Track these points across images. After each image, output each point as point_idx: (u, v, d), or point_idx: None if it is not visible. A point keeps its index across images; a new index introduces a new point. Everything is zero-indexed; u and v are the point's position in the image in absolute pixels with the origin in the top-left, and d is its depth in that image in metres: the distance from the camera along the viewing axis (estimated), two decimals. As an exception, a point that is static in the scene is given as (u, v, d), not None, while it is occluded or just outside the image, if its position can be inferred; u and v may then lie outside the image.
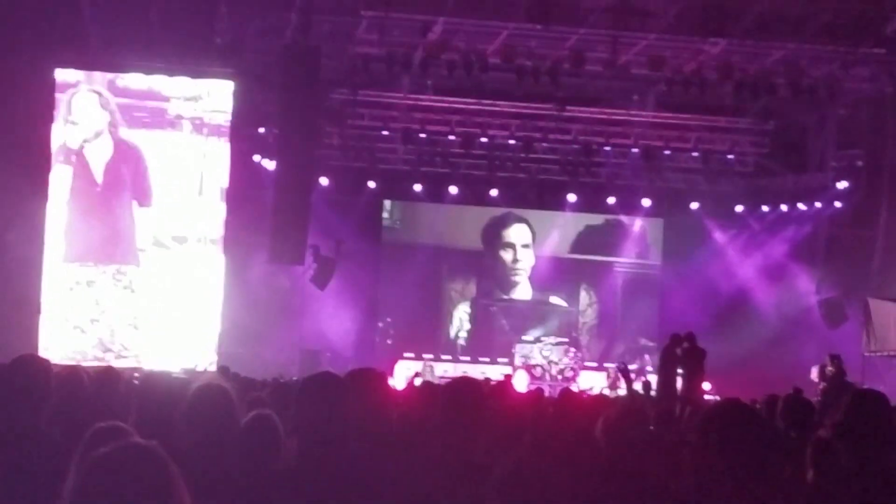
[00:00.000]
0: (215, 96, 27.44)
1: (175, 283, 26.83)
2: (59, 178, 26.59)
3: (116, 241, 26.79)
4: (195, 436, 5.77)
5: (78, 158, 26.76)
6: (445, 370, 30.78)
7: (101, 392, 8.92)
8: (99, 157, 26.86)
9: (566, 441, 6.78)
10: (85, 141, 26.75)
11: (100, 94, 26.85)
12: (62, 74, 26.78)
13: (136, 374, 15.33)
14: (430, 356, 32.22)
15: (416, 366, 30.53)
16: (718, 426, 5.11)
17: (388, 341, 32.96)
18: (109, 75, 26.92)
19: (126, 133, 26.96)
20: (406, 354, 32.09)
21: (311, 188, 27.05)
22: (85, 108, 26.79)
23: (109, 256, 26.65)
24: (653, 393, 21.08)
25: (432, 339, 33.46)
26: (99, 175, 26.81)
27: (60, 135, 26.63)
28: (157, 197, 26.97)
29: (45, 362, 6.46)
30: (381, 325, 33.26)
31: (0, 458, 5.72)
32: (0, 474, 5.68)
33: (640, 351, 32.91)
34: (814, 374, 24.41)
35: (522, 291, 34.68)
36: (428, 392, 9.31)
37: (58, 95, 26.61)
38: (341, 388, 5.67)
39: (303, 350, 29.30)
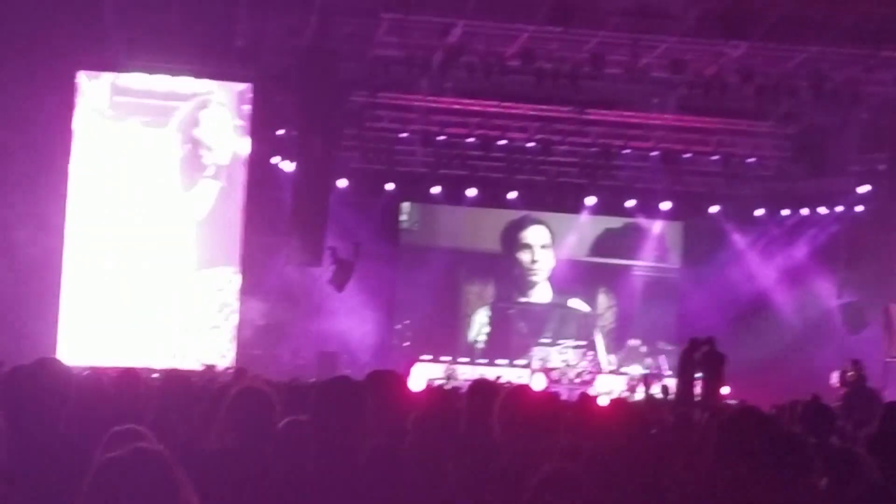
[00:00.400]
0: (234, 97, 27.53)
1: (193, 284, 26.93)
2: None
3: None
4: (235, 438, 5.81)
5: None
6: (463, 372, 30.78)
7: (121, 394, 8.96)
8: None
9: (592, 448, 6.80)
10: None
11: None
12: (85, 76, 26.92)
13: (155, 375, 15.40)
14: (448, 358, 32.22)
15: (434, 368, 30.56)
16: (735, 432, 5.13)
17: (406, 344, 32.97)
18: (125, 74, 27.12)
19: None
20: (423, 357, 32.10)
21: (329, 190, 27.13)
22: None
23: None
24: (671, 397, 21.06)
25: (450, 342, 33.47)
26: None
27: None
28: (178, 198, 27.12)
29: (65, 366, 6.50)
30: (398, 327, 33.28)
31: (20, 462, 5.75)
32: (20, 478, 5.71)
33: (658, 354, 32.84)
34: (834, 379, 24.37)
35: (541, 294, 34.66)
36: (452, 397, 9.32)
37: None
38: (358, 393, 5.70)
39: (320, 352, 29.34)
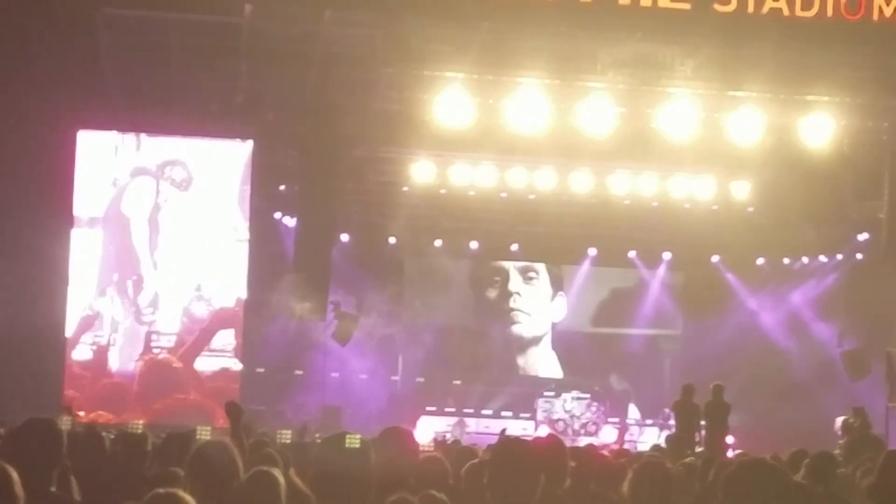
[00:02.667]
0: (235, 155, 27.59)
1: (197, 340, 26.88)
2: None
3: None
4: (198, 487, 5.81)
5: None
6: (467, 424, 30.68)
7: (124, 453, 8.91)
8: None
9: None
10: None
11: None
12: (86, 135, 26.98)
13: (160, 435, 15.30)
14: (453, 410, 32.10)
15: (439, 420, 30.46)
16: (743, 484, 5.07)
17: (411, 397, 32.84)
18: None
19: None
20: (429, 409, 31.99)
21: (331, 244, 27.09)
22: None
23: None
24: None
25: (455, 395, 33.32)
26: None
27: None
28: (182, 255, 27.11)
29: (56, 426, 6.51)
30: (402, 380, 33.16)
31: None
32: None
33: (659, 404, 32.61)
34: (838, 426, 24.25)
35: (546, 364, 34.55)
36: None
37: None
38: (363, 451, 5.64)
39: (324, 406, 29.24)
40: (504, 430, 26.50)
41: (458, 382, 33.86)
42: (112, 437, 11.03)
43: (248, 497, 5.94)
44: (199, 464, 6.04)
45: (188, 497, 5.21)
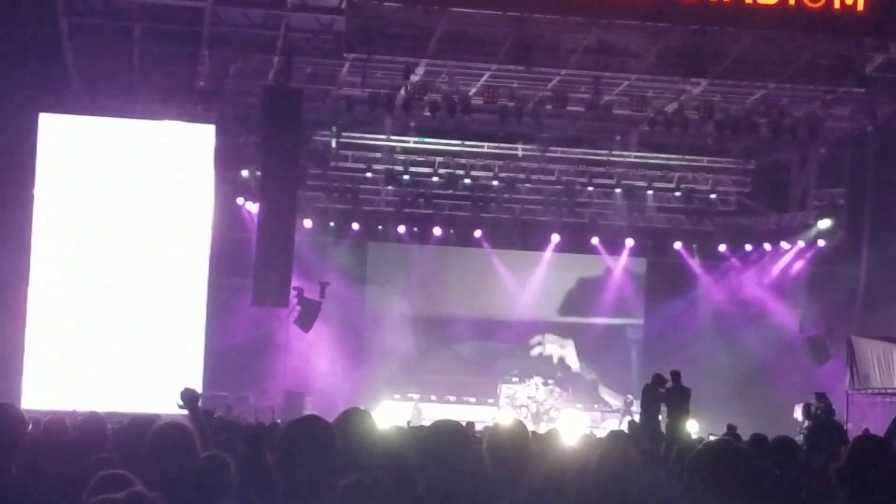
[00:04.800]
0: (198, 139, 27.41)
1: (158, 327, 26.71)
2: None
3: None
4: (157, 471, 5.79)
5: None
6: (430, 412, 30.62)
7: (86, 438, 8.84)
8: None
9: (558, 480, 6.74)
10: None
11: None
12: (46, 118, 26.77)
13: (119, 420, 15.20)
14: (417, 397, 32.08)
15: (402, 406, 30.43)
16: (708, 466, 5.06)
17: (374, 382, 32.77)
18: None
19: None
20: (392, 395, 31.99)
21: (294, 230, 27.00)
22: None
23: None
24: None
25: (418, 380, 33.28)
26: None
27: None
28: (142, 240, 26.92)
29: (18, 411, 6.45)
30: (365, 366, 33.08)
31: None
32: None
33: (625, 390, 32.75)
34: (797, 412, 24.37)
35: (512, 335, 34.50)
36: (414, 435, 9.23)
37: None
38: (327, 432, 5.62)
39: (287, 392, 29.16)
40: (472, 424, 26.44)
41: (421, 369, 33.82)
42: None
43: (201, 479, 5.92)
44: (157, 445, 6.04)
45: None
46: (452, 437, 5.95)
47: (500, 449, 6.14)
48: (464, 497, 5.72)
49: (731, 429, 16.24)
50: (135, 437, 7.33)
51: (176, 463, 5.92)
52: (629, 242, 33.91)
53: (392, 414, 27.81)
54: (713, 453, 5.19)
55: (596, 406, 32.73)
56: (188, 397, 8.28)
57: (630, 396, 30.44)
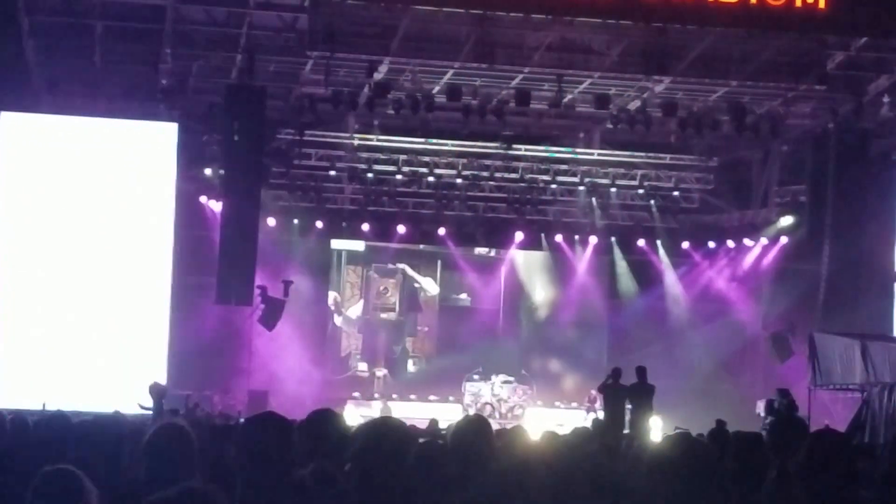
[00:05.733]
0: (161, 138, 27.34)
1: (121, 327, 26.62)
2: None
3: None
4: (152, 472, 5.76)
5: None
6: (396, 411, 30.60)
7: (48, 435, 8.82)
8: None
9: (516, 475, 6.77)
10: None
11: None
12: (7, 116, 26.66)
13: (85, 418, 15.14)
14: (378, 396, 32.08)
15: (366, 407, 30.44)
16: (667, 460, 5.11)
17: (337, 383, 32.77)
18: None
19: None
20: (354, 395, 31.97)
21: (257, 229, 26.94)
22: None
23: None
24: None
25: (381, 379, 33.31)
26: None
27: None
28: (105, 239, 26.84)
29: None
30: (329, 366, 33.08)
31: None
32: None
33: (589, 387, 32.82)
34: (760, 408, 24.50)
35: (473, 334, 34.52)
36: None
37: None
38: (286, 430, 5.65)
39: (251, 391, 29.13)
40: (435, 421, 26.44)
41: (384, 369, 33.87)
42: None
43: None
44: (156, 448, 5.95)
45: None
46: (390, 434, 5.98)
47: (462, 444, 6.19)
48: (423, 492, 5.77)
49: (721, 424, 16.23)
50: (98, 437, 7.32)
51: (175, 467, 5.80)
52: (593, 240, 34.00)
53: (358, 414, 27.81)
54: (672, 447, 5.24)
55: (558, 403, 32.74)
56: (156, 391, 8.27)
57: (594, 393, 30.52)
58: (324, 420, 6.39)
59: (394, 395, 32.43)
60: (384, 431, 5.95)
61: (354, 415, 27.70)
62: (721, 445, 9.78)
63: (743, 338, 32.27)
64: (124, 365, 26.13)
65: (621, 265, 34.41)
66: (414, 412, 30.22)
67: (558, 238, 33.96)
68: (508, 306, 35.11)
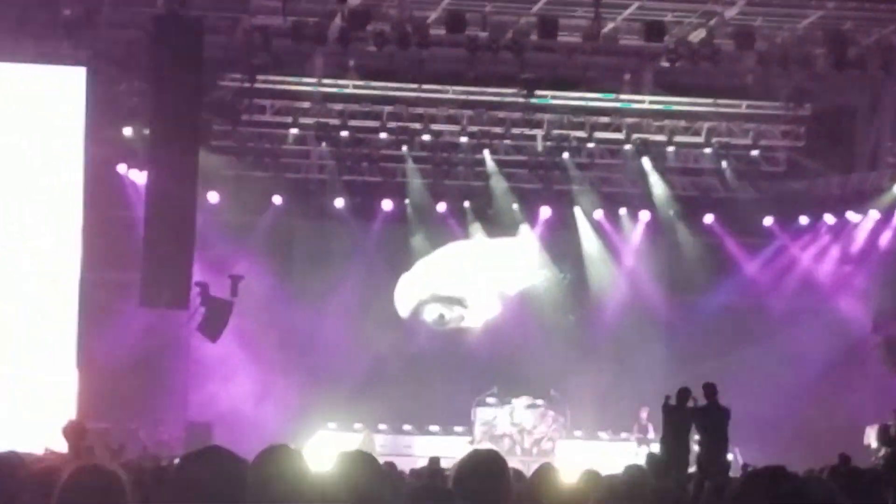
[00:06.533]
0: (64, 87, 27.35)
1: (15, 341, 26.68)
2: None
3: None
4: None
5: None
6: (383, 444, 30.65)
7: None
8: None
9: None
10: None
11: None
12: None
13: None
14: (360, 425, 32.04)
15: (343, 438, 30.43)
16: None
17: (305, 407, 32.74)
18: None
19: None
20: (329, 425, 31.97)
21: (195, 207, 26.96)
22: None
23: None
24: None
25: (364, 403, 33.23)
26: None
27: None
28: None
29: None
30: (292, 386, 33.03)
31: None
32: None
33: (640, 404, 32.74)
34: (870, 435, 24.50)
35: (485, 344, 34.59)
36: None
37: None
38: (233, 467, 5.58)
39: (189, 423, 29.21)
40: (437, 459, 26.39)
41: (367, 389, 33.80)
42: None
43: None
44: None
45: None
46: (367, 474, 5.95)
47: (468, 489, 6.14)
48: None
49: (845, 460, 16.09)
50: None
51: None
52: (644, 216, 34.00)
53: (336, 448, 27.80)
54: (761, 487, 5.14)
55: (602, 434, 32.74)
56: (73, 432, 8.19)
57: (644, 417, 30.56)
58: (278, 458, 6.35)
59: (380, 426, 32.44)
60: (359, 470, 5.91)
61: (327, 449, 27.68)
62: (847, 489, 9.69)
63: (847, 343, 32.25)
64: (23, 391, 26.19)
65: (684, 249, 34.43)
66: (408, 447, 30.30)
67: (598, 214, 33.99)
68: (531, 306, 35.07)
